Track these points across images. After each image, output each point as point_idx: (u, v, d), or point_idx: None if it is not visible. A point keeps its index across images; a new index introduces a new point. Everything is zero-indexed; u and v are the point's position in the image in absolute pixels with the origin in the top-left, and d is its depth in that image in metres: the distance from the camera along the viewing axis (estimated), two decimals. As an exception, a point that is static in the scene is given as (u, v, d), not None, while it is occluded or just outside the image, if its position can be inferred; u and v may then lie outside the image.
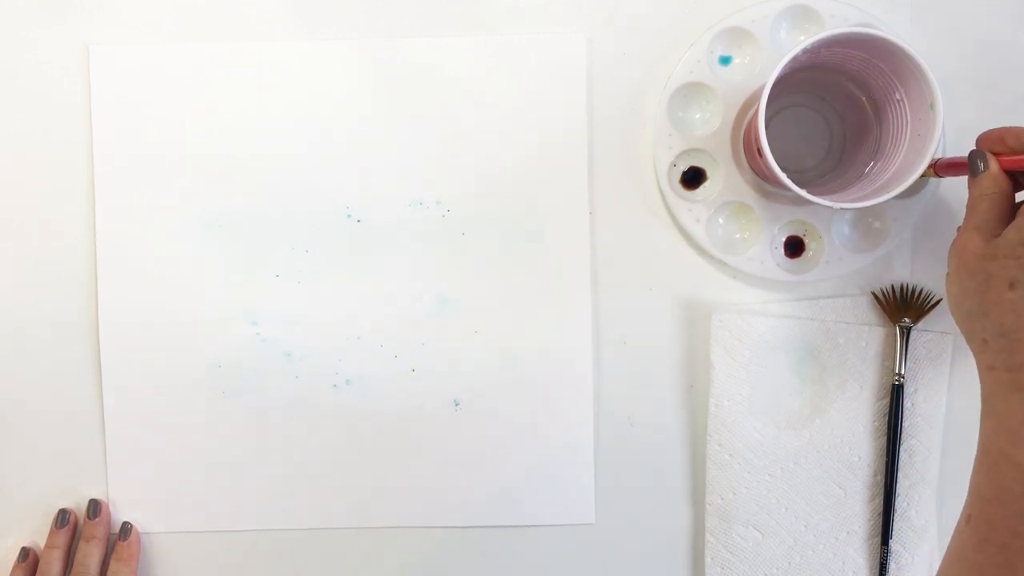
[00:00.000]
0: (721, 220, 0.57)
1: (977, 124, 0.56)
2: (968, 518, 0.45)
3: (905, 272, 0.58)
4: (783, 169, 0.49)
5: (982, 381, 0.46)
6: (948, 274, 0.48)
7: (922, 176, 0.50)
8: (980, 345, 0.46)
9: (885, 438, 0.57)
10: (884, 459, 0.57)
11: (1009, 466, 0.43)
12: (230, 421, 0.58)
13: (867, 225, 0.57)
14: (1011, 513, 0.43)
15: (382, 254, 0.58)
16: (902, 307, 0.57)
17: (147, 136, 0.58)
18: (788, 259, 0.57)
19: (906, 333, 0.57)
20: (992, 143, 0.47)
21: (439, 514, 0.58)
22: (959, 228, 0.48)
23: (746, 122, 0.55)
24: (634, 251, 0.58)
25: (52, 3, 0.58)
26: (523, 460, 0.58)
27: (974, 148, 0.48)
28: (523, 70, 0.57)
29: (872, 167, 0.54)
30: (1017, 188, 0.47)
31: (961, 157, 0.49)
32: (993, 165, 0.47)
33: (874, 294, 0.58)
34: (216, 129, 0.58)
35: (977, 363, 0.46)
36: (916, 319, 0.57)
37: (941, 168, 0.50)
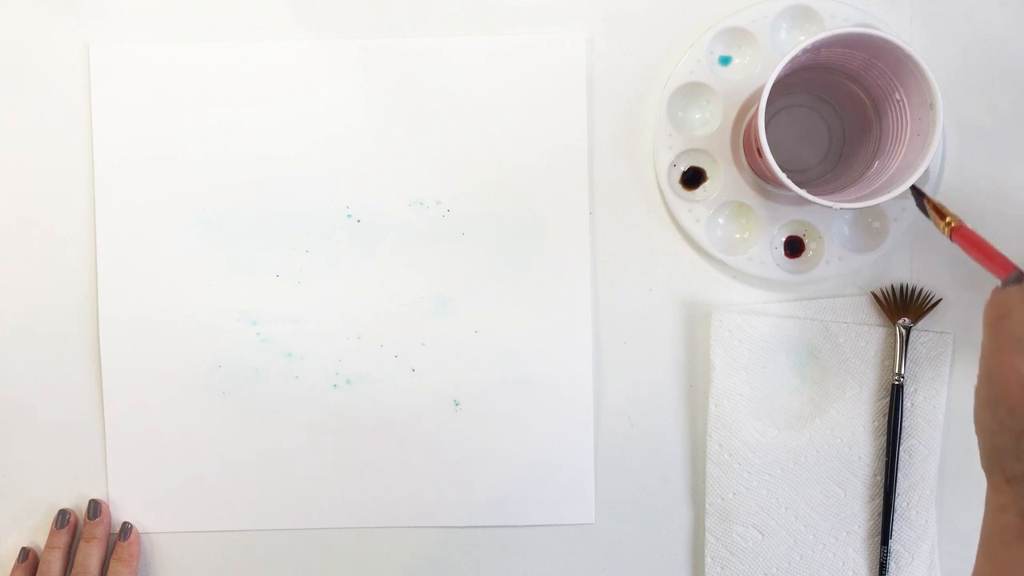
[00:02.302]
0: (721, 220, 0.57)
1: (977, 124, 0.57)
2: None
3: (905, 272, 0.58)
4: (783, 169, 0.49)
5: (986, 519, 0.43)
6: (980, 394, 0.43)
7: (933, 221, 0.49)
8: (1000, 483, 0.42)
9: (885, 438, 0.57)
10: (884, 459, 0.57)
11: None
12: (230, 421, 0.58)
13: (867, 225, 0.57)
14: None
15: (382, 254, 0.58)
16: (902, 307, 0.57)
17: (147, 136, 0.57)
18: (788, 259, 0.57)
19: (906, 333, 0.57)
20: None
21: (439, 514, 0.58)
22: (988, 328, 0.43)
23: (746, 122, 0.55)
24: (634, 251, 0.58)
25: (52, 3, 0.58)
26: (523, 460, 0.58)
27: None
28: (523, 70, 0.57)
29: (872, 167, 0.54)
30: None
31: (987, 243, 0.45)
32: None
33: (874, 294, 0.58)
34: (216, 129, 0.58)
35: (987, 498, 0.43)
36: (916, 319, 0.57)
37: (960, 236, 0.47)
